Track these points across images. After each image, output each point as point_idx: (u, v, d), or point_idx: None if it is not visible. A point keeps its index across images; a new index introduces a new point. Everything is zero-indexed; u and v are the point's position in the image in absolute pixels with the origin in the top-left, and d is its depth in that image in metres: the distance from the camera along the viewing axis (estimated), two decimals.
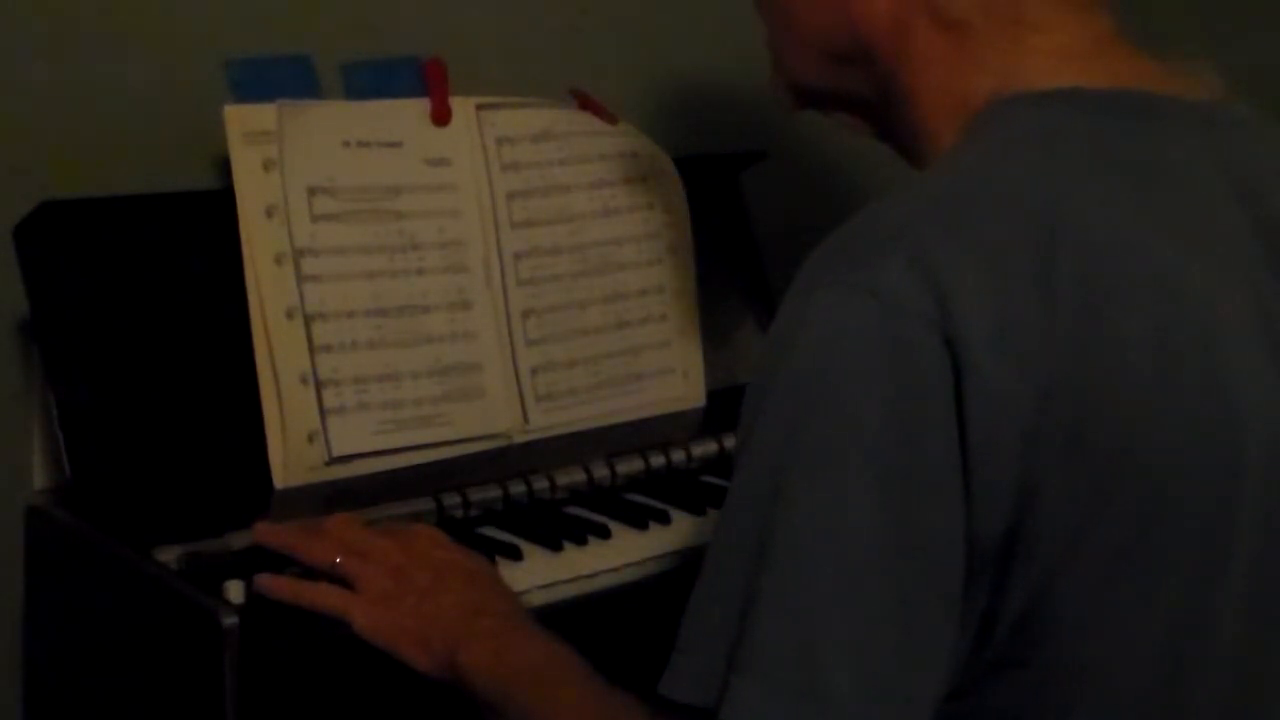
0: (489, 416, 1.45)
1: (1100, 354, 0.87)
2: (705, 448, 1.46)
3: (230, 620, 1.09)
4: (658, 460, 1.43)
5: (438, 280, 1.44)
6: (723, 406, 1.57)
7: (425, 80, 1.46)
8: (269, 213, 1.35)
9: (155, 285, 1.35)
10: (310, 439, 1.35)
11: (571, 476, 1.38)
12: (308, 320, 1.36)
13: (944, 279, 0.85)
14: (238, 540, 1.19)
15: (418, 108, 1.46)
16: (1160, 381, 0.88)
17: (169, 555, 1.17)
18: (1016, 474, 0.86)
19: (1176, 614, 0.91)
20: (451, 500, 1.31)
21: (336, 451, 1.36)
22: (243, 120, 1.35)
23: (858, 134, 1.12)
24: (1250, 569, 0.92)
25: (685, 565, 1.28)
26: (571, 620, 1.22)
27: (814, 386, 0.87)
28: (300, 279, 1.36)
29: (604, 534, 1.31)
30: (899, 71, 1.03)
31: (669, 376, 1.59)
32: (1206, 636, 0.92)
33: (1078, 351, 0.86)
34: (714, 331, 1.64)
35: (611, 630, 1.26)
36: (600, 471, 1.40)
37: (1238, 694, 0.94)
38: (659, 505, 1.36)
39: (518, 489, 1.34)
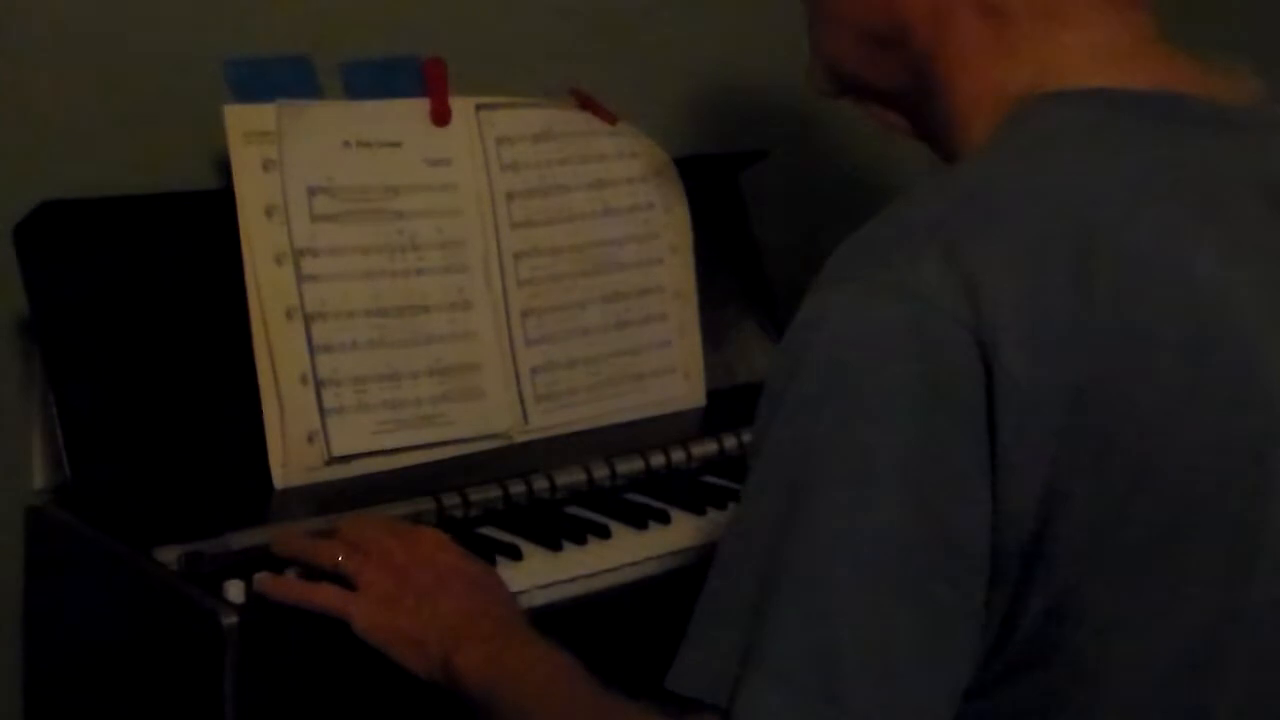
0: (489, 416, 1.45)
1: (1133, 357, 0.86)
2: (705, 448, 1.46)
3: (230, 620, 1.09)
4: (658, 460, 1.43)
5: (438, 280, 1.44)
6: (723, 406, 1.58)
7: (425, 80, 1.46)
8: (269, 213, 1.35)
9: (155, 285, 1.35)
10: (310, 439, 1.35)
11: (571, 476, 1.38)
12: (308, 320, 1.36)
13: (977, 277, 0.84)
14: (238, 540, 1.19)
15: (418, 108, 1.46)
16: (1192, 386, 0.88)
17: (169, 555, 1.17)
18: (1045, 476, 0.85)
19: (1202, 616, 0.90)
20: (451, 500, 1.31)
21: (336, 451, 1.36)
22: (243, 120, 1.35)
23: (892, 131, 1.11)
24: (1275, 577, 0.91)
25: (685, 565, 1.28)
26: (571, 620, 1.22)
27: (838, 384, 0.85)
28: (300, 279, 1.36)
29: (604, 534, 1.31)
30: (936, 57, 1.01)
31: (669, 376, 1.59)
32: (1231, 639, 0.91)
33: (1110, 353, 0.86)
34: (714, 331, 1.64)
35: (611, 630, 1.26)
36: (600, 471, 1.40)
37: (1263, 696, 0.93)
38: (659, 505, 1.36)
39: (518, 489, 1.34)
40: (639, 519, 1.33)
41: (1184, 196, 0.93)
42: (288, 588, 1.14)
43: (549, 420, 1.50)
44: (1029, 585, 0.87)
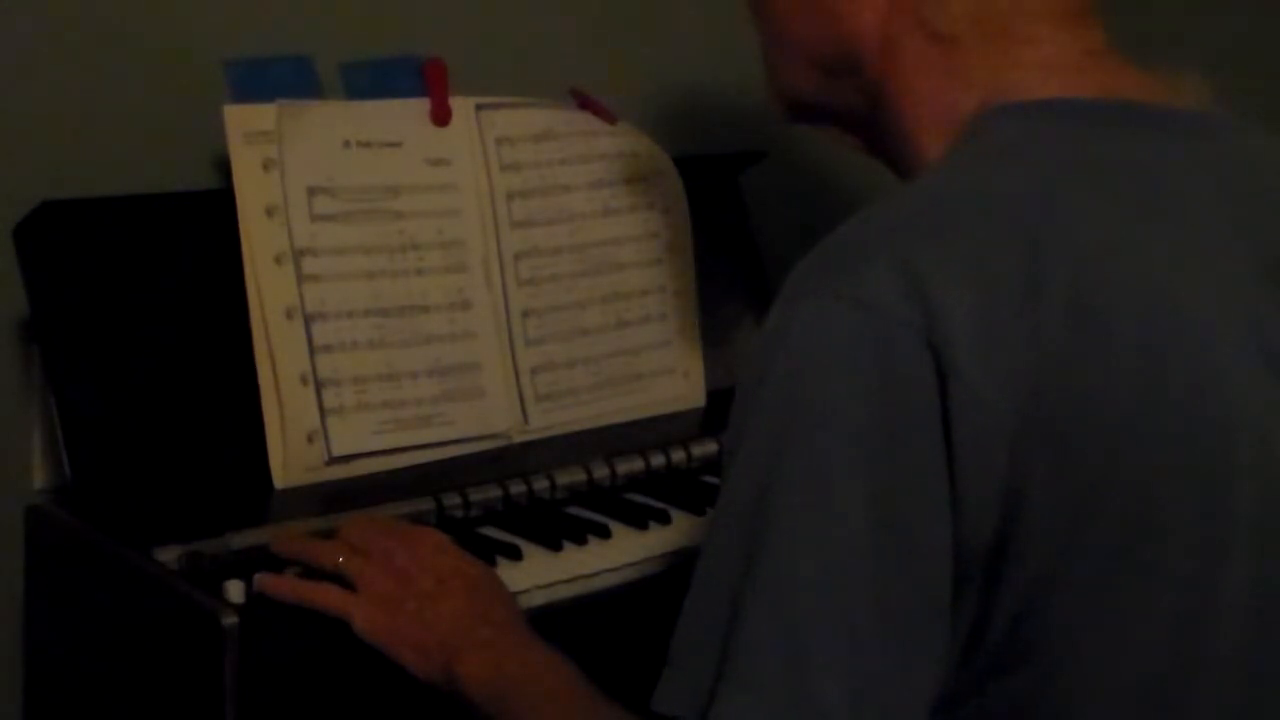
0: (489, 416, 1.46)
1: (1087, 359, 0.87)
2: (705, 448, 1.46)
3: (230, 620, 1.09)
4: (658, 460, 1.43)
5: (438, 280, 1.44)
6: (723, 406, 1.56)
7: (425, 80, 1.46)
8: (269, 213, 1.35)
9: (155, 285, 1.35)
10: (310, 439, 1.35)
11: (571, 476, 1.38)
12: (308, 320, 1.36)
13: (928, 285, 0.85)
14: (238, 540, 1.19)
15: (418, 108, 1.46)
16: (1148, 386, 0.88)
17: (169, 555, 1.17)
18: (1003, 479, 0.86)
19: (1172, 619, 0.90)
20: (451, 500, 1.31)
21: (336, 451, 1.36)
22: (243, 120, 1.35)
23: (851, 149, 1.13)
24: (1250, 572, 0.91)
25: (686, 565, 1.27)
26: (571, 620, 1.22)
27: (799, 394, 0.87)
28: (300, 279, 1.36)
29: (604, 534, 1.31)
30: (888, 84, 1.03)
31: (669, 376, 1.59)
32: (1204, 641, 0.91)
33: (1064, 356, 0.86)
34: (714, 331, 1.64)
35: (611, 630, 1.26)
36: (600, 471, 1.40)
37: (1240, 697, 0.93)
38: (659, 505, 1.36)
39: (518, 489, 1.34)
40: (639, 519, 1.33)
41: (1130, 196, 0.94)
42: (288, 587, 1.14)
43: (549, 420, 1.50)
44: (996, 589, 0.88)
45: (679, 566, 1.29)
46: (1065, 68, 0.99)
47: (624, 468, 1.41)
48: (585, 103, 1.57)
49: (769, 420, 0.88)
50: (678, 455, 1.44)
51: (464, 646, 1.08)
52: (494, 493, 1.33)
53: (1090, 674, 0.90)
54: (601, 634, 1.24)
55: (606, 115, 1.57)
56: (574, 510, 1.35)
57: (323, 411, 1.36)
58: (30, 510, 1.36)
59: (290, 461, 1.34)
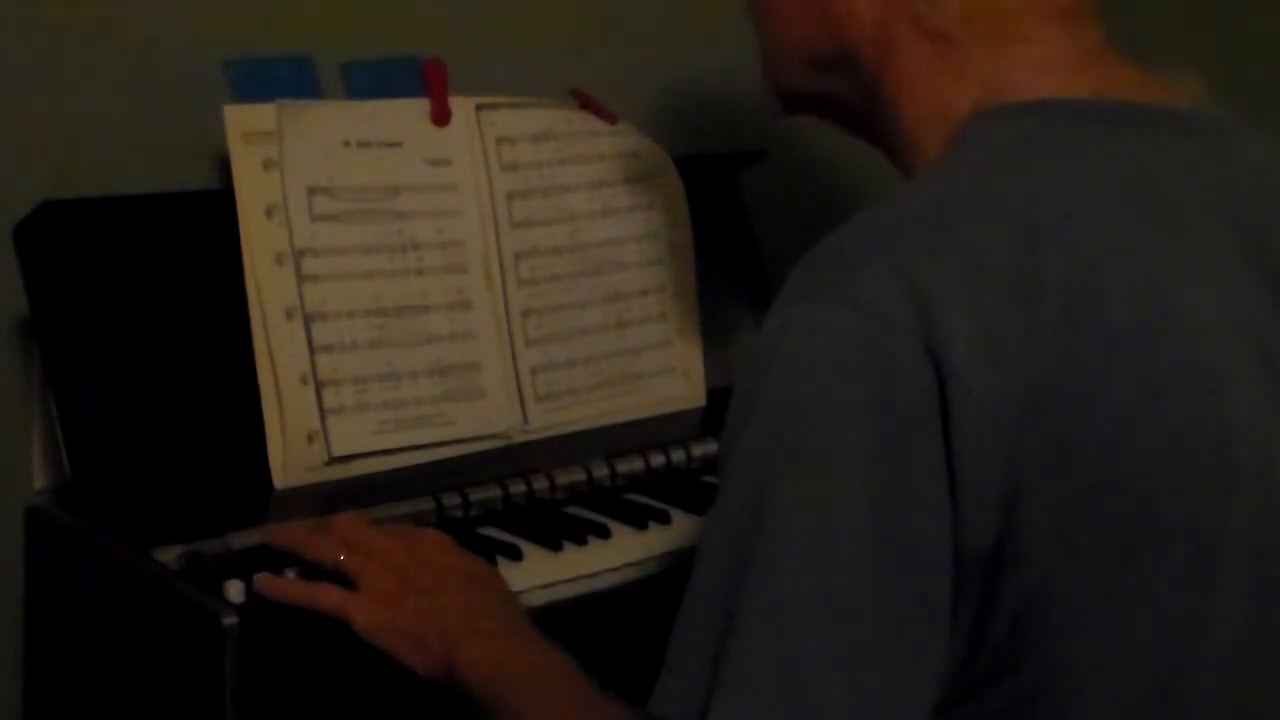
0: (489, 416, 1.45)
1: (1085, 361, 0.87)
2: (705, 448, 1.46)
3: (230, 620, 1.09)
4: (658, 460, 1.43)
5: (438, 280, 1.44)
6: (723, 406, 1.57)
7: (425, 80, 1.46)
8: (269, 213, 1.35)
9: (155, 285, 1.35)
10: (310, 439, 1.35)
11: (571, 476, 1.38)
12: (308, 320, 1.36)
13: (925, 288, 0.85)
14: (238, 540, 1.19)
15: (418, 108, 1.46)
16: (1146, 388, 0.88)
17: (169, 555, 1.17)
18: (1003, 481, 0.85)
19: (1170, 619, 0.90)
20: (451, 500, 1.31)
21: (336, 451, 1.36)
22: (243, 120, 1.35)
23: (851, 137, 1.13)
24: (1247, 574, 0.92)
25: (686, 565, 1.27)
26: (571, 620, 1.22)
27: (797, 397, 0.86)
28: (300, 279, 1.36)
29: (604, 534, 1.31)
30: (883, 81, 1.03)
31: (669, 376, 1.59)
32: (1201, 641, 0.91)
33: (1062, 358, 0.86)
34: (714, 331, 1.64)
35: (612, 630, 1.26)
36: (600, 471, 1.40)
37: (1237, 698, 0.93)
38: (659, 505, 1.36)
39: (518, 489, 1.34)
40: (639, 519, 1.33)
41: (1126, 196, 0.94)
42: (288, 588, 1.14)
43: (549, 420, 1.50)
44: (997, 590, 0.88)
45: (679, 566, 1.29)
46: (1061, 67, 0.99)
47: (624, 468, 1.41)
48: (585, 103, 1.57)
49: (766, 424, 0.88)
50: (678, 455, 1.44)
51: (463, 638, 1.07)
52: (494, 493, 1.33)
53: (1088, 676, 0.90)
54: (601, 634, 1.24)
55: (606, 115, 1.57)
56: (574, 510, 1.35)
57: (323, 411, 1.36)
58: (30, 510, 1.36)
59: (290, 461, 1.34)
